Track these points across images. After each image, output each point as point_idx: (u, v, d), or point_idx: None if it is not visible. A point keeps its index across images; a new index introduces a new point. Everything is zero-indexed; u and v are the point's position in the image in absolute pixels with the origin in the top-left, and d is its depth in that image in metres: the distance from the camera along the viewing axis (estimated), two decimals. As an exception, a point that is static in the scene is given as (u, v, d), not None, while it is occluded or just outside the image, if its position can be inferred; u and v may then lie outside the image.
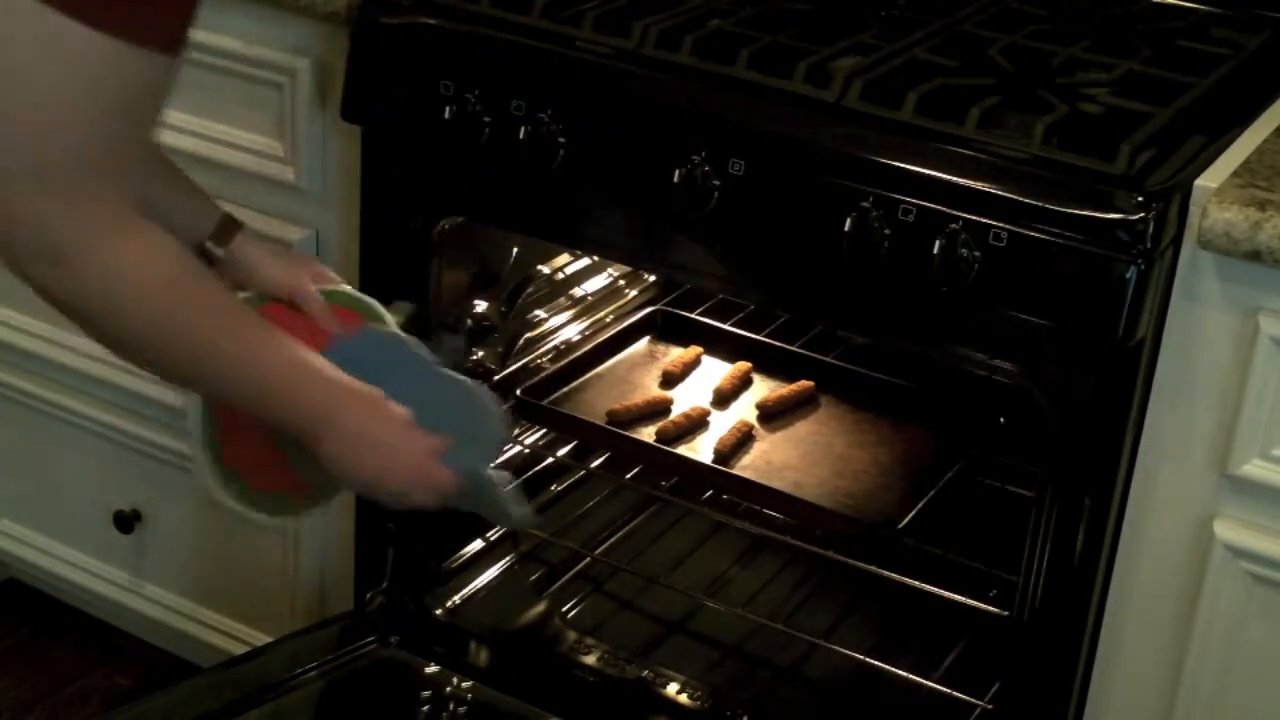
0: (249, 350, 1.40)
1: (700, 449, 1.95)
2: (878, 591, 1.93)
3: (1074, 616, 1.60)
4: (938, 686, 1.81)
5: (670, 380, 2.11)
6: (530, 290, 2.11)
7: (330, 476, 1.51)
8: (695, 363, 2.16)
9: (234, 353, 1.40)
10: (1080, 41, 1.76)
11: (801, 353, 2.17)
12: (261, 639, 2.09)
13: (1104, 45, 1.75)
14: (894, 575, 1.88)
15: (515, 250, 2.04)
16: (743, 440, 1.98)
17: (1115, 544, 1.58)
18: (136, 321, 1.32)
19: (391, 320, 1.66)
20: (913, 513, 1.85)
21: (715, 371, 2.14)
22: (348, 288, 1.65)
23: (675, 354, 2.17)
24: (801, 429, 2.03)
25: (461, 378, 1.60)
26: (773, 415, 2.05)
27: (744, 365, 2.14)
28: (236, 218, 1.59)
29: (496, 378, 2.04)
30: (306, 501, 1.61)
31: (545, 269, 2.16)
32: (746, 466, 1.93)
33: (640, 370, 2.13)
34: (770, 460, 1.95)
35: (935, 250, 1.49)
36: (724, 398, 2.08)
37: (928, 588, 1.86)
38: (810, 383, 2.10)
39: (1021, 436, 1.95)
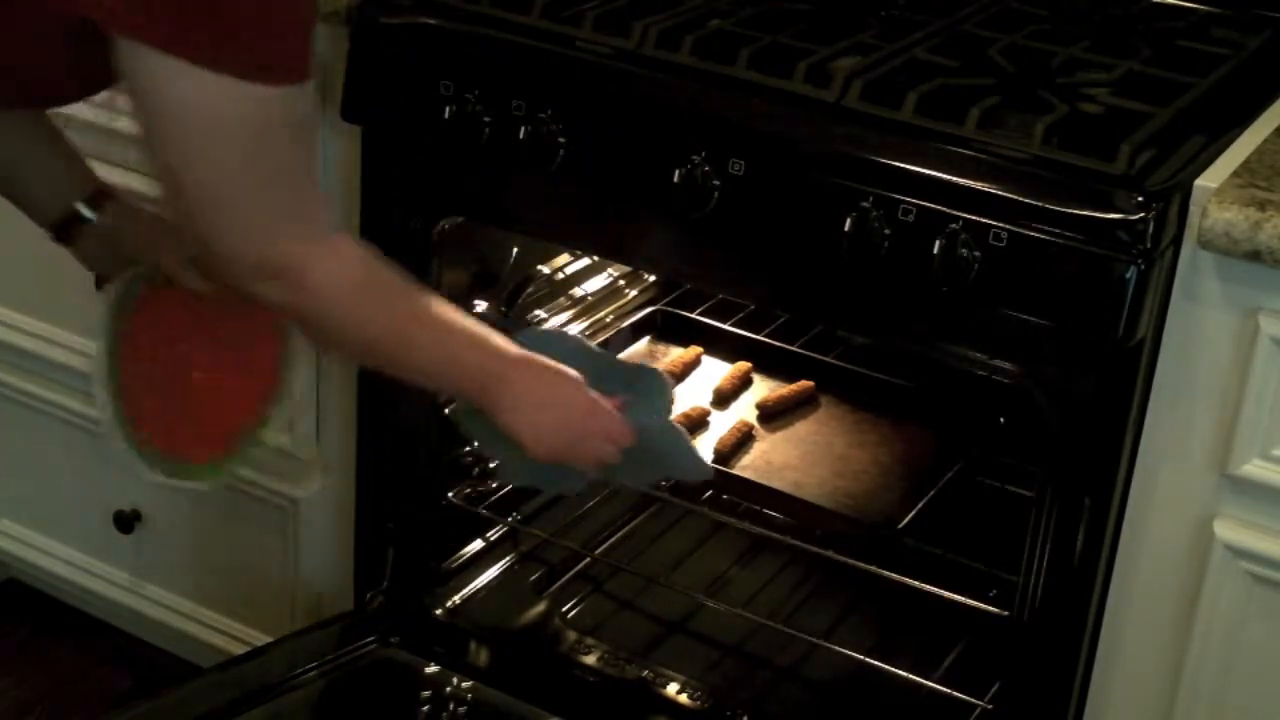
0: (436, 329, 1.51)
1: (701, 449, 1.95)
2: (878, 591, 1.93)
3: (1074, 616, 1.60)
4: (938, 686, 1.81)
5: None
6: (530, 290, 2.11)
7: (507, 444, 1.58)
8: (695, 363, 2.18)
9: (426, 333, 1.50)
10: (1080, 41, 1.76)
11: (801, 352, 2.18)
12: (261, 639, 2.09)
13: (1104, 45, 1.75)
14: (894, 575, 1.88)
15: (515, 250, 2.04)
16: (743, 440, 1.99)
17: (1115, 544, 1.58)
18: (351, 317, 1.44)
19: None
20: (912, 513, 1.86)
21: (715, 371, 2.15)
22: None
23: (675, 354, 2.17)
24: (801, 429, 2.04)
25: (619, 357, 1.75)
26: (772, 415, 2.06)
27: (744, 365, 2.15)
28: (111, 185, 1.64)
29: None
30: (209, 469, 1.65)
31: (545, 269, 2.16)
32: (746, 466, 1.95)
33: None
34: (770, 460, 1.96)
35: (935, 250, 1.49)
36: (724, 397, 2.10)
37: (928, 588, 1.86)
38: (810, 383, 2.11)
39: (1021, 436, 1.95)
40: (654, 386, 1.65)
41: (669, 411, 1.66)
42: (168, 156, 1.31)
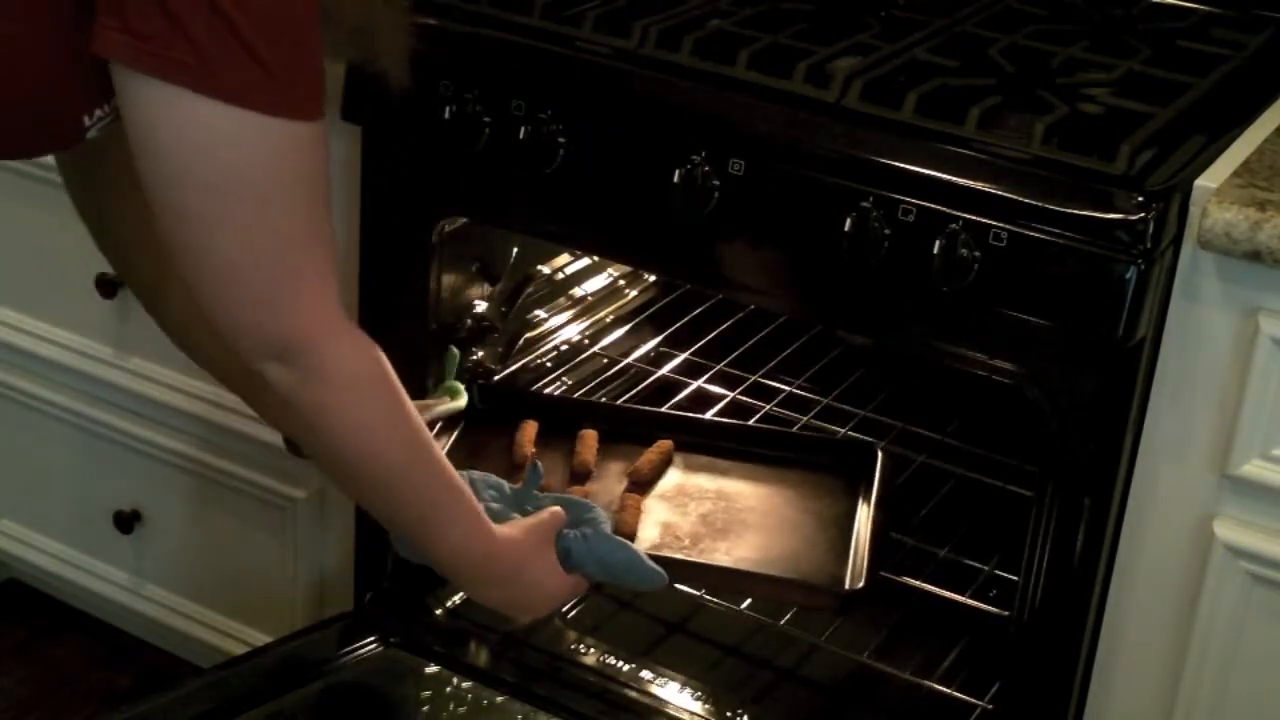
0: (433, 463, 1.42)
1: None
2: (878, 591, 1.93)
3: (1074, 616, 1.60)
4: (938, 686, 1.81)
5: (520, 465, 1.82)
6: (530, 290, 2.11)
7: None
8: (536, 440, 1.88)
9: (423, 462, 1.41)
10: (1080, 41, 1.76)
11: (641, 409, 2.01)
12: (261, 639, 2.09)
13: (1104, 45, 1.75)
14: (894, 575, 1.88)
15: (515, 250, 2.04)
16: (638, 516, 1.76)
17: (1115, 544, 1.58)
18: (358, 416, 1.34)
19: (464, 400, 1.84)
20: (863, 570, 1.68)
21: (558, 444, 1.88)
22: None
23: (519, 435, 1.87)
24: (675, 490, 1.82)
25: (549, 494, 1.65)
26: (647, 482, 1.82)
27: (665, 444, 1.88)
28: None
29: (496, 378, 2.04)
30: None
31: (545, 269, 2.16)
32: (661, 546, 1.72)
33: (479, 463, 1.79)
34: (677, 535, 1.75)
35: (935, 250, 1.49)
36: (646, 482, 1.83)
37: (928, 587, 1.86)
38: (669, 442, 1.87)
39: (1021, 436, 1.95)
40: (594, 516, 1.59)
41: (609, 531, 1.60)
42: (185, 213, 1.23)
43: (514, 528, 1.53)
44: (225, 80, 1.18)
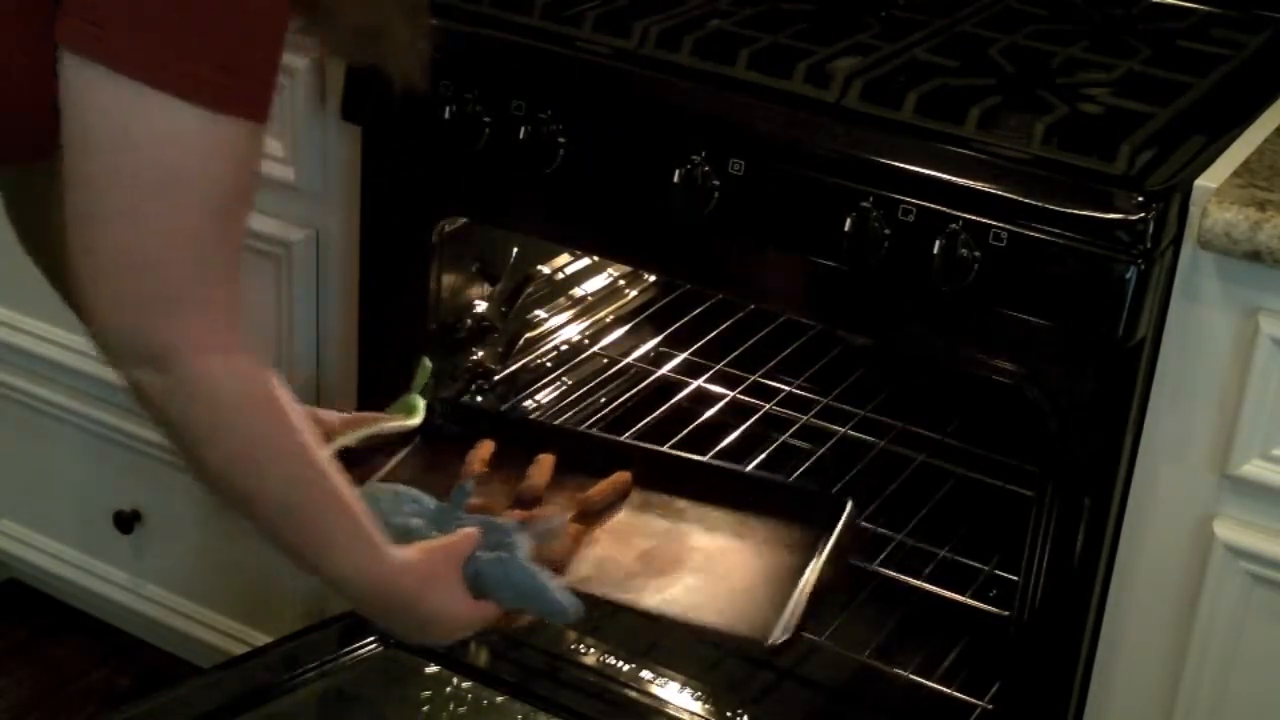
0: (327, 492, 1.34)
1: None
2: (878, 591, 1.93)
3: (1074, 616, 1.60)
4: (938, 686, 1.81)
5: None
6: (530, 290, 2.11)
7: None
8: (491, 460, 1.78)
9: (315, 490, 1.34)
10: (1080, 41, 1.76)
11: (609, 439, 1.94)
12: (261, 639, 2.09)
13: (1104, 45, 1.75)
14: (894, 575, 1.88)
15: (515, 250, 2.04)
16: (572, 546, 1.67)
17: (1115, 544, 1.58)
18: (217, 443, 1.27)
19: (418, 417, 1.77)
20: (791, 626, 1.56)
21: (515, 465, 1.77)
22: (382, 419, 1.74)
23: (470, 454, 1.78)
24: (626, 523, 1.72)
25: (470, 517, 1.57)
26: (597, 513, 1.72)
27: (623, 476, 1.76)
28: None
29: (496, 378, 2.04)
30: None
31: (545, 269, 2.16)
32: (590, 579, 1.62)
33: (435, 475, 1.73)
34: (611, 570, 1.66)
35: (935, 250, 1.49)
36: (595, 512, 1.73)
37: (928, 587, 1.86)
38: (627, 474, 1.75)
39: (1021, 436, 1.95)
40: (515, 541, 1.51)
41: (525, 557, 1.51)
42: (102, 201, 1.17)
43: (414, 551, 1.43)
44: (173, 71, 1.14)
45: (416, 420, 1.78)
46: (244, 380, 1.26)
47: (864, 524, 2.00)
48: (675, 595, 1.61)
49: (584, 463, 1.76)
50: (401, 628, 1.49)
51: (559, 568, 1.60)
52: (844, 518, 1.67)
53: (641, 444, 1.90)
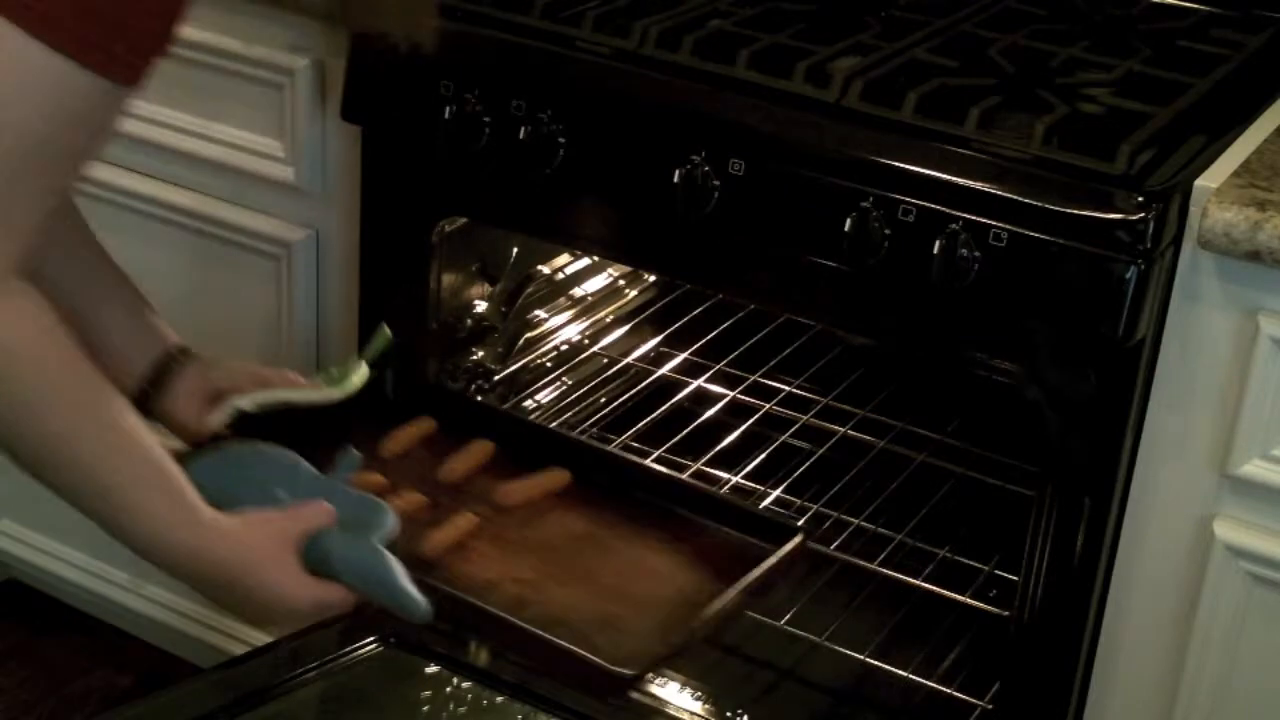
0: (127, 446, 1.26)
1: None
2: (878, 591, 1.93)
3: (1074, 616, 1.60)
4: (938, 686, 1.81)
5: (386, 465, 1.63)
6: (530, 290, 2.11)
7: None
8: (430, 437, 1.68)
9: (110, 445, 1.25)
10: (1080, 41, 1.76)
11: (561, 434, 1.87)
12: (261, 639, 2.09)
13: (1104, 45, 1.75)
14: (894, 575, 1.88)
15: (515, 250, 2.04)
16: (461, 541, 1.54)
17: (1115, 544, 1.58)
18: (13, 381, 1.19)
19: (351, 386, 1.59)
20: (646, 664, 1.46)
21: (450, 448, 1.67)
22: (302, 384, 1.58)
23: (398, 430, 1.67)
24: (549, 528, 1.60)
25: (334, 481, 1.44)
26: (509, 508, 1.60)
27: (485, 446, 1.66)
28: (181, 349, 1.50)
29: (496, 378, 2.04)
30: None
31: (545, 269, 2.16)
32: (459, 576, 1.51)
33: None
34: (493, 574, 1.53)
35: (935, 250, 1.49)
36: (445, 482, 1.62)
37: (928, 587, 1.86)
38: (565, 474, 1.63)
39: (1021, 436, 1.95)
40: (380, 521, 1.40)
41: (382, 542, 1.39)
42: None
43: (239, 521, 1.33)
44: (35, 9, 1.10)
45: (340, 393, 1.59)
46: (15, 329, 1.18)
47: (864, 524, 2.00)
48: (556, 605, 1.48)
49: (532, 457, 1.64)
50: (227, 602, 1.37)
51: (429, 560, 1.48)
52: (785, 549, 1.56)
53: (596, 444, 1.81)
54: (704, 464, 2.08)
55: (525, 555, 1.55)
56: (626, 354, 2.27)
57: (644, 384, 2.22)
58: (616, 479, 1.66)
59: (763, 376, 2.22)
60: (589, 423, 2.15)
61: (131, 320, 1.50)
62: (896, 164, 1.52)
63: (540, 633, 1.44)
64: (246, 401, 1.53)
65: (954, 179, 1.49)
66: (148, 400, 1.50)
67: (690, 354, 2.27)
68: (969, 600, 1.84)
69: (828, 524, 2.01)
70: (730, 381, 2.22)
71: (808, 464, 2.11)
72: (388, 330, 1.67)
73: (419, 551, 1.48)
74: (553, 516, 1.61)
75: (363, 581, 1.38)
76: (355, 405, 1.60)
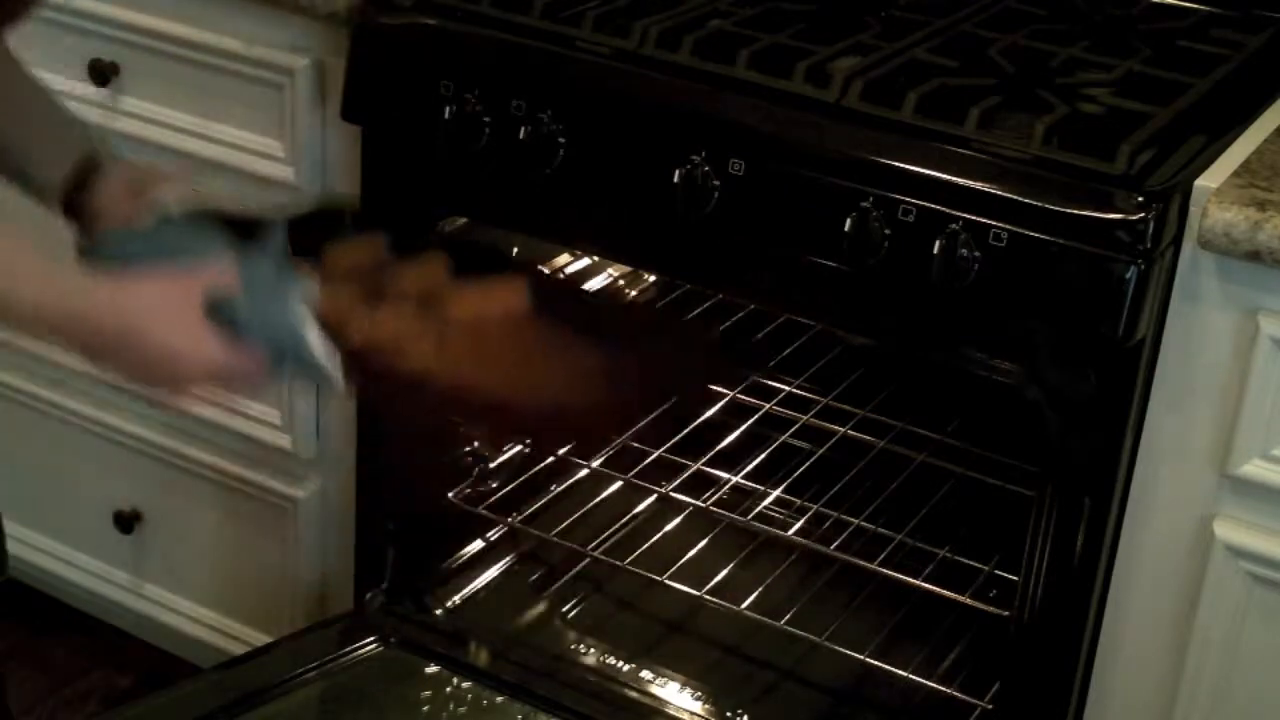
0: None
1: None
2: (878, 591, 1.93)
3: (1074, 616, 1.60)
4: (938, 686, 1.81)
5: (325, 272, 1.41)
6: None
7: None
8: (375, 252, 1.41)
9: None
10: (1080, 41, 1.76)
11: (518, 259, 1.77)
12: (261, 639, 2.09)
13: (1104, 45, 1.75)
14: (894, 575, 1.88)
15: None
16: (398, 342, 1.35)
17: (1115, 544, 1.58)
18: None
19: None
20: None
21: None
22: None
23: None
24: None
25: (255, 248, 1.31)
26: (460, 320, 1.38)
27: (439, 258, 1.41)
28: (107, 152, 1.44)
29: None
30: None
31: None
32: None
33: None
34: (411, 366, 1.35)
35: (935, 250, 1.49)
36: (396, 293, 1.39)
37: (928, 587, 1.86)
38: (523, 292, 1.41)
39: (1021, 436, 1.95)
40: (289, 285, 1.29)
41: (299, 306, 1.28)
42: None
43: (135, 279, 1.26)
44: None
45: (278, 215, 1.40)
46: None
47: (864, 524, 2.00)
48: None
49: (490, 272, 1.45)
50: (126, 367, 1.28)
51: (362, 353, 1.32)
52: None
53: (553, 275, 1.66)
54: (704, 464, 2.09)
55: (465, 360, 1.38)
56: (626, 354, 2.27)
57: (644, 384, 2.21)
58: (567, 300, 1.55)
59: (763, 376, 2.22)
60: (589, 423, 2.15)
61: (52, 127, 1.47)
62: (896, 164, 1.52)
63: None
64: (175, 200, 1.40)
65: (954, 179, 1.49)
66: (76, 204, 1.43)
67: (690, 354, 2.27)
68: (969, 600, 1.84)
69: (828, 524, 2.02)
70: (730, 381, 2.22)
71: (808, 464, 2.12)
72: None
73: (348, 343, 1.32)
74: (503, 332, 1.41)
75: (272, 342, 1.27)
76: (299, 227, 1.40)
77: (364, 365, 1.32)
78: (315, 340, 1.28)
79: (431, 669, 1.81)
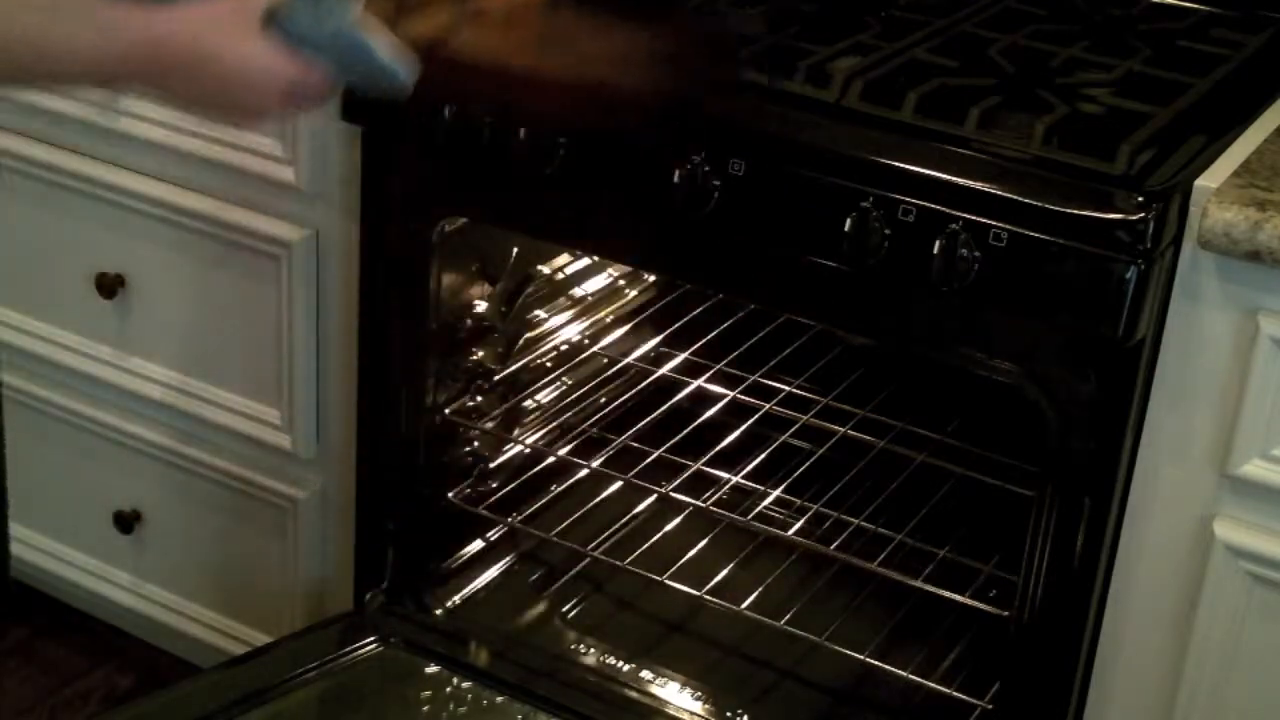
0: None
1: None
2: (878, 591, 1.93)
3: (1074, 616, 1.60)
4: (938, 686, 1.81)
5: None
6: (530, 290, 2.11)
7: None
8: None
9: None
10: (1080, 41, 1.76)
11: None
12: (261, 639, 2.09)
13: (1104, 45, 1.75)
14: (894, 575, 1.88)
15: (515, 250, 2.04)
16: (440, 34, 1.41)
17: (1115, 544, 1.58)
18: None
19: None
20: None
21: None
22: None
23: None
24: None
25: None
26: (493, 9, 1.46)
27: None
28: None
29: (496, 378, 2.04)
30: None
31: (545, 269, 2.16)
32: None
33: None
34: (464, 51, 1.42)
35: (935, 250, 1.49)
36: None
37: (928, 587, 1.86)
38: None
39: (1021, 436, 1.95)
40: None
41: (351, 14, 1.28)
42: None
43: (190, 8, 1.22)
44: None
45: None
46: None
47: (864, 524, 2.00)
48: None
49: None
50: (200, 97, 1.26)
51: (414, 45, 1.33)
52: None
53: None
54: (704, 464, 2.09)
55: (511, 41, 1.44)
56: (626, 354, 2.27)
57: (644, 384, 2.22)
58: None
59: (763, 376, 2.22)
60: (589, 423, 2.15)
61: None
62: (896, 164, 1.52)
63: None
64: None
65: (954, 179, 1.49)
66: None
67: (690, 354, 2.27)
68: (969, 600, 1.84)
69: (828, 524, 2.02)
70: (730, 382, 2.22)
71: (808, 464, 2.12)
72: None
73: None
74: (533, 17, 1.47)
75: (335, 49, 1.27)
76: None
77: (421, 60, 1.32)
78: (379, 40, 1.28)
79: (431, 669, 1.81)
